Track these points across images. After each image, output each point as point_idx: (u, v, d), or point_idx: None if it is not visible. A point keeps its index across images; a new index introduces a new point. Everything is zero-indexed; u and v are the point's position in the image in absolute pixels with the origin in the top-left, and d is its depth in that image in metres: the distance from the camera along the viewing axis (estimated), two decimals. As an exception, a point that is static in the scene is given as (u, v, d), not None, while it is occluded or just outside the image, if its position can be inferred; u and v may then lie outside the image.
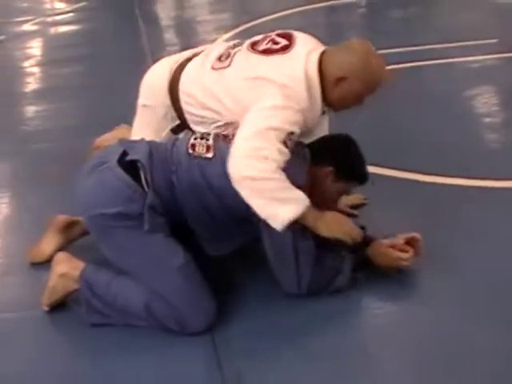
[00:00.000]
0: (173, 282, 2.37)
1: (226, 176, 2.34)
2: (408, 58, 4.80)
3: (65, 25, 6.36)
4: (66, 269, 2.52)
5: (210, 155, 2.44)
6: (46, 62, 5.39)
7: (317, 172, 2.54)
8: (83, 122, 4.21)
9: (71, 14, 6.67)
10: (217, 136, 2.52)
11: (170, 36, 6.04)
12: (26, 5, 7.19)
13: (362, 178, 2.66)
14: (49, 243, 2.84)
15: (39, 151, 3.89)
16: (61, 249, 2.77)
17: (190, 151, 2.46)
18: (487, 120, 4.01)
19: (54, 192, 3.38)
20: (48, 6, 7.23)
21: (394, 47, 4.93)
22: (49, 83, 4.99)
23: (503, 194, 3.16)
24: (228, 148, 2.38)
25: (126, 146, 2.52)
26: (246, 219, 2.42)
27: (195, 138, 2.51)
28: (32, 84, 4.99)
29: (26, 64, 5.34)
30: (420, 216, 2.99)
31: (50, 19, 6.53)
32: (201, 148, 2.47)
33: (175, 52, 3.15)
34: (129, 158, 2.43)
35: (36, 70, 5.24)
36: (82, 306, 2.47)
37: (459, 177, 3.28)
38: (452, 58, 4.81)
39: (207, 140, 2.49)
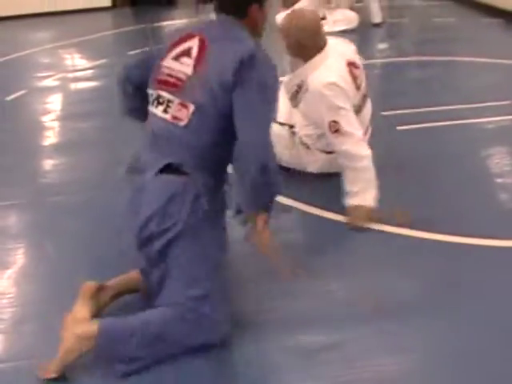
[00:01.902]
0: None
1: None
2: (424, 119, 4.85)
3: (85, 81, 6.48)
4: (82, 328, 2.50)
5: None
6: (64, 117, 5.48)
7: (255, 14, 2.80)
8: (99, 175, 4.27)
9: (91, 71, 6.79)
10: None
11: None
12: (48, 61, 7.32)
13: None
14: (81, 311, 2.68)
15: (56, 204, 3.93)
16: (94, 316, 2.66)
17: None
18: (499, 180, 4.03)
19: (70, 243, 3.42)
20: (69, 62, 7.35)
21: (410, 107, 5.01)
22: (66, 137, 5.07)
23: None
24: None
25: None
26: None
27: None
28: (50, 138, 5.07)
29: (44, 118, 5.43)
30: (432, 274, 3.03)
31: (70, 75, 6.65)
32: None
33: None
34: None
35: (54, 124, 5.32)
36: (107, 361, 2.47)
37: (472, 236, 3.31)
38: (467, 118, 4.86)
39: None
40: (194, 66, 2.69)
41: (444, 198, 3.82)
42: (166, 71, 2.76)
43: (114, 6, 9.84)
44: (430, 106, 5.10)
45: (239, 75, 2.59)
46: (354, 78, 3.68)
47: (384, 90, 5.77)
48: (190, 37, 2.77)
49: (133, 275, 2.85)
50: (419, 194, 3.86)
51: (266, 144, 2.61)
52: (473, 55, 6.49)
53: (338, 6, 7.68)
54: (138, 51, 7.18)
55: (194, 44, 2.74)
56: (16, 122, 5.41)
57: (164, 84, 2.75)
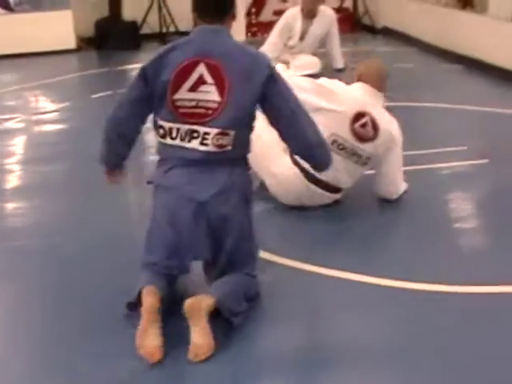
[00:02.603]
0: None
1: None
2: None
3: (49, 123, 6.47)
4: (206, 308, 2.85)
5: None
6: (26, 160, 5.46)
7: (231, 21, 3.15)
8: (61, 219, 4.26)
9: (56, 113, 6.80)
10: None
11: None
12: (11, 103, 7.31)
13: None
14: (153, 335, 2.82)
15: (17, 248, 3.91)
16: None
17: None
18: (457, 225, 4.11)
19: (29, 287, 3.41)
20: (33, 104, 7.34)
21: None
22: (28, 180, 5.05)
23: (470, 299, 3.25)
24: None
25: None
26: None
27: None
28: (11, 181, 5.05)
29: (6, 161, 5.41)
30: (388, 322, 3.08)
31: (34, 118, 6.65)
32: None
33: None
34: None
35: (16, 167, 5.30)
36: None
37: (426, 282, 3.35)
38: (423, 164, 4.93)
39: None
40: (219, 91, 2.88)
41: (400, 243, 3.89)
42: (189, 104, 2.90)
43: (79, 48, 9.89)
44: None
45: (268, 88, 2.92)
46: None
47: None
48: (193, 64, 2.89)
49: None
50: (375, 239, 3.92)
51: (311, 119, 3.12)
52: (432, 101, 6.63)
53: (300, 52, 7.78)
54: (101, 94, 7.24)
55: (202, 70, 2.89)
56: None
57: (192, 117, 2.91)
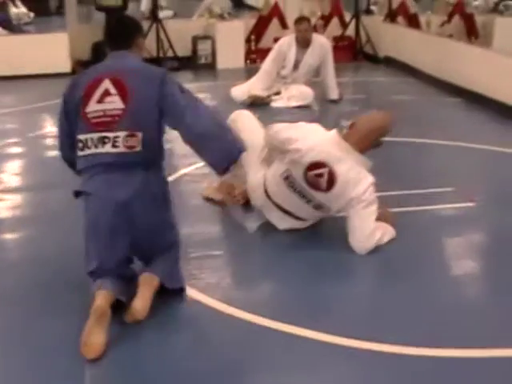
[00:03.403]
0: None
1: None
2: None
3: (45, 149, 6.35)
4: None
5: None
6: (22, 187, 5.36)
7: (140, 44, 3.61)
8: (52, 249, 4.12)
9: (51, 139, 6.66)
10: None
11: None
12: (8, 126, 7.20)
13: None
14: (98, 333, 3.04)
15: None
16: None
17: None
18: (435, 274, 3.84)
19: None
20: (28, 128, 7.15)
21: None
22: (25, 209, 4.92)
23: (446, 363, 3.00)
24: None
25: None
26: None
27: None
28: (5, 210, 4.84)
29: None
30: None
31: (30, 142, 6.60)
32: None
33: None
34: None
35: (11, 195, 5.11)
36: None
37: (392, 343, 3.10)
38: (408, 206, 4.69)
39: None
40: (122, 99, 3.26)
41: (370, 294, 3.64)
42: (98, 114, 3.27)
43: (75, 72, 9.73)
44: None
45: (162, 90, 3.29)
46: None
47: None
48: (98, 81, 3.29)
49: None
50: (341, 288, 3.68)
51: (209, 112, 3.42)
52: (427, 136, 6.35)
53: (294, 81, 7.59)
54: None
55: (106, 85, 3.28)
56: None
57: (102, 125, 3.26)
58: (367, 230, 3.97)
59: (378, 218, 4.04)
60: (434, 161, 5.84)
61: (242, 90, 7.65)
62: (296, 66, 7.56)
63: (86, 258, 3.31)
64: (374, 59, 10.22)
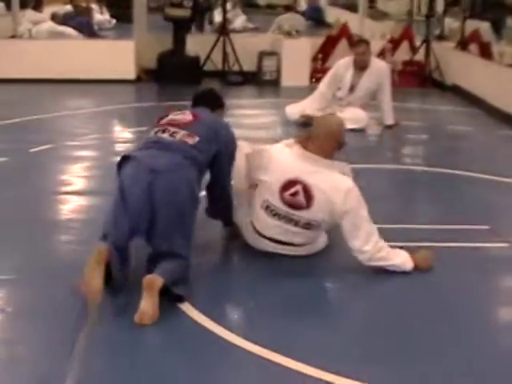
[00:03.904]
0: None
1: None
2: (401, 238, 4.42)
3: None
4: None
5: None
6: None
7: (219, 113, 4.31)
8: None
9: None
10: None
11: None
12: (77, 128, 7.41)
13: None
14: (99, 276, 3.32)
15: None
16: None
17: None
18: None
19: None
20: (86, 130, 7.33)
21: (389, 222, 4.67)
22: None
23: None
24: None
25: None
26: None
27: None
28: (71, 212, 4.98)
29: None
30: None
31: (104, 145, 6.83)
32: None
33: None
34: None
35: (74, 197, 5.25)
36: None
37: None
38: (436, 241, 4.50)
39: None
40: (194, 116, 3.98)
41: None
42: (170, 118, 3.99)
43: (140, 79, 9.88)
44: (407, 223, 4.79)
45: (220, 137, 3.97)
46: None
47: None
48: (180, 110, 4.10)
49: None
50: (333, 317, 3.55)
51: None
52: (477, 170, 6.08)
53: (349, 104, 7.48)
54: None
55: (186, 111, 4.06)
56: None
57: (169, 124, 3.93)
58: (363, 234, 3.89)
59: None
60: (478, 196, 5.60)
61: (296, 109, 7.58)
62: (352, 88, 7.45)
63: (105, 227, 3.60)
64: (441, 86, 9.99)
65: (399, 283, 3.95)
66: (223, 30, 10.03)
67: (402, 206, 5.38)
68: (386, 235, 4.07)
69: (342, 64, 7.56)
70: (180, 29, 9.72)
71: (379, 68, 7.45)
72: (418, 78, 10.09)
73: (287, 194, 3.95)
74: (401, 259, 3.99)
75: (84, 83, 9.46)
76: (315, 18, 17.51)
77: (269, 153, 4.14)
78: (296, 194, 3.92)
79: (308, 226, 4.02)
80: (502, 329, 3.64)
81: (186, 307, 3.51)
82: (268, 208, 4.04)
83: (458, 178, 6.01)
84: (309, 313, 3.59)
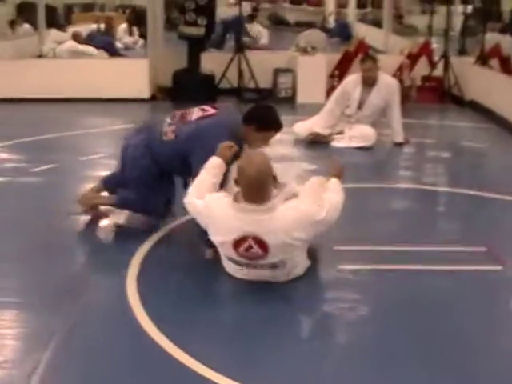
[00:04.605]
0: None
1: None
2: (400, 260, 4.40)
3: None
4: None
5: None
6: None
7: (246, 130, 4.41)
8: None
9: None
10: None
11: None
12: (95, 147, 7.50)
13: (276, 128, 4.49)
14: None
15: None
16: None
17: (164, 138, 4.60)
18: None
19: None
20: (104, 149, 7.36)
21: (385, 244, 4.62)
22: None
23: None
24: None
25: None
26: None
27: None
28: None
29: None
30: None
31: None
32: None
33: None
34: None
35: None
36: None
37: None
38: (434, 264, 4.34)
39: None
40: (198, 118, 4.53)
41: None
42: (189, 111, 4.63)
43: (154, 98, 9.86)
44: (406, 245, 4.63)
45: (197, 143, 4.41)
46: None
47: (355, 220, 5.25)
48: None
49: None
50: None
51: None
52: (487, 189, 5.88)
53: (358, 121, 7.34)
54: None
55: (210, 109, 4.61)
56: None
57: (181, 115, 4.65)
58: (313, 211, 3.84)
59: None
60: (484, 217, 5.41)
61: (304, 127, 7.48)
62: (360, 105, 7.32)
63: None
64: (459, 102, 9.78)
65: (389, 304, 3.85)
66: (239, 47, 9.98)
67: (410, 226, 5.20)
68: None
69: (350, 81, 7.45)
70: (194, 47, 9.68)
71: (388, 84, 7.31)
72: (436, 94, 9.90)
73: (241, 249, 3.78)
74: (335, 193, 4.09)
75: (100, 102, 9.46)
76: (343, 34, 17.46)
77: (208, 210, 3.90)
78: (249, 247, 3.75)
79: (275, 265, 3.87)
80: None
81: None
82: (231, 259, 3.93)
83: (470, 198, 5.81)
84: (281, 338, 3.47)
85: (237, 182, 3.83)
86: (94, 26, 15.40)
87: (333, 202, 3.98)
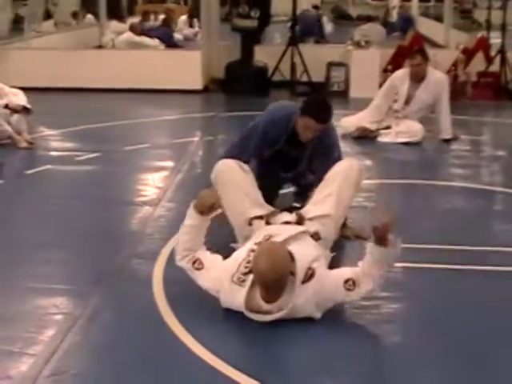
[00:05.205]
0: None
1: None
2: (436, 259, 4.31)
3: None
4: None
5: None
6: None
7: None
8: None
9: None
10: None
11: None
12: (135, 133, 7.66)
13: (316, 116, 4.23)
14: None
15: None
16: None
17: None
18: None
19: None
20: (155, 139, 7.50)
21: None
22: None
23: None
24: None
25: None
26: None
27: None
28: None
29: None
30: None
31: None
32: None
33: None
34: None
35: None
36: None
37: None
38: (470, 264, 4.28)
39: None
40: None
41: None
42: None
43: (208, 89, 9.92)
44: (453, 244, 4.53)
45: None
46: None
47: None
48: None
49: None
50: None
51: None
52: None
53: (405, 117, 7.25)
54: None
55: None
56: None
57: None
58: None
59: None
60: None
61: (351, 121, 7.42)
62: (408, 100, 7.22)
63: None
64: (515, 98, 9.57)
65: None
66: (292, 40, 9.95)
67: (456, 225, 5.05)
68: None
69: (397, 76, 7.35)
70: (248, 39, 9.70)
71: (437, 79, 7.19)
72: (492, 90, 9.68)
73: None
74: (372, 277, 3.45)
75: (153, 93, 9.56)
76: (405, 28, 17.21)
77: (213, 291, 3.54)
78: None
79: None
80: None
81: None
82: None
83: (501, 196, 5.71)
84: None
85: (251, 271, 3.39)
86: (151, 18, 15.64)
87: (366, 290, 3.46)
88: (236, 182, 4.08)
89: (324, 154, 4.42)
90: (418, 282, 4.06)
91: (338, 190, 4.03)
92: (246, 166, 4.21)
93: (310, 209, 4.06)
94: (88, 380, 3.04)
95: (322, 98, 4.84)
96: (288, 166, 4.63)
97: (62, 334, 3.35)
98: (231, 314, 3.50)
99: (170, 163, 6.54)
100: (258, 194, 4.14)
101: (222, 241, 4.04)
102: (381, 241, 3.35)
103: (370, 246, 3.42)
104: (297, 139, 4.38)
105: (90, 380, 3.04)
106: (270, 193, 4.40)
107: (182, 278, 3.70)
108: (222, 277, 3.47)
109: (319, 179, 4.17)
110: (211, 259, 3.63)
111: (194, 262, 3.60)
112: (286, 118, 4.41)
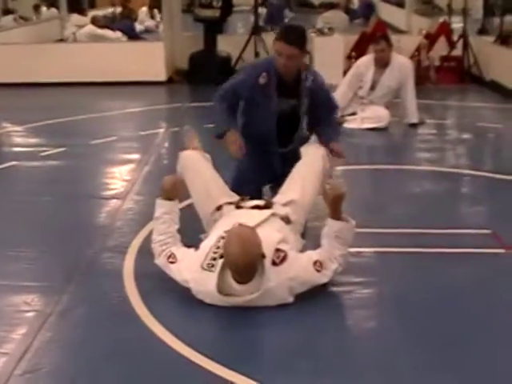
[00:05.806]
0: None
1: None
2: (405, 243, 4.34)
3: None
4: None
5: None
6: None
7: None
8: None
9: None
10: None
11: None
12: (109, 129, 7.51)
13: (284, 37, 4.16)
14: None
15: None
16: None
17: None
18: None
19: None
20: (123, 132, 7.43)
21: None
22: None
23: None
24: None
25: None
26: None
27: None
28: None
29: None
30: None
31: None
32: None
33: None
34: None
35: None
36: None
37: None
38: (432, 246, 4.29)
39: None
40: None
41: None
42: None
43: (171, 80, 9.85)
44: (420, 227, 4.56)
45: None
46: None
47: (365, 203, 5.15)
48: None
49: None
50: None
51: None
52: (500, 171, 5.82)
53: (371, 103, 7.27)
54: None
55: None
56: None
57: None
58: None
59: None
60: (492, 199, 5.34)
61: (317, 108, 7.40)
62: (373, 86, 7.24)
63: None
64: (479, 82, 9.64)
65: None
66: (255, 29, 9.93)
67: (424, 209, 5.07)
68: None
69: (362, 62, 7.37)
70: (210, 29, 9.66)
71: (401, 64, 7.22)
72: (456, 74, 9.76)
73: None
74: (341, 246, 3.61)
75: (117, 85, 9.49)
76: (367, 14, 17.26)
77: (187, 282, 3.54)
78: None
79: None
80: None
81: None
82: None
83: (479, 178, 5.75)
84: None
85: (222, 256, 3.42)
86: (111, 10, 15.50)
87: (331, 270, 3.59)
88: (201, 171, 4.16)
89: (323, 104, 4.49)
90: (389, 267, 4.08)
91: (302, 177, 4.14)
92: (207, 155, 4.32)
93: (278, 197, 4.15)
94: (61, 377, 3.01)
95: (294, 24, 4.84)
96: (290, 128, 4.46)
97: (34, 331, 3.31)
98: (204, 304, 3.49)
99: (136, 156, 6.48)
100: (223, 182, 4.21)
101: (193, 234, 4.02)
102: (334, 212, 3.61)
103: (327, 221, 3.65)
104: (287, 86, 4.34)
105: (64, 377, 3.01)
106: (252, 189, 4.34)
107: (154, 270, 3.71)
108: (193, 267, 3.49)
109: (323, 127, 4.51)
110: (184, 252, 3.67)
111: (168, 257, 3.63)
112: (266, 61, 4.59)
